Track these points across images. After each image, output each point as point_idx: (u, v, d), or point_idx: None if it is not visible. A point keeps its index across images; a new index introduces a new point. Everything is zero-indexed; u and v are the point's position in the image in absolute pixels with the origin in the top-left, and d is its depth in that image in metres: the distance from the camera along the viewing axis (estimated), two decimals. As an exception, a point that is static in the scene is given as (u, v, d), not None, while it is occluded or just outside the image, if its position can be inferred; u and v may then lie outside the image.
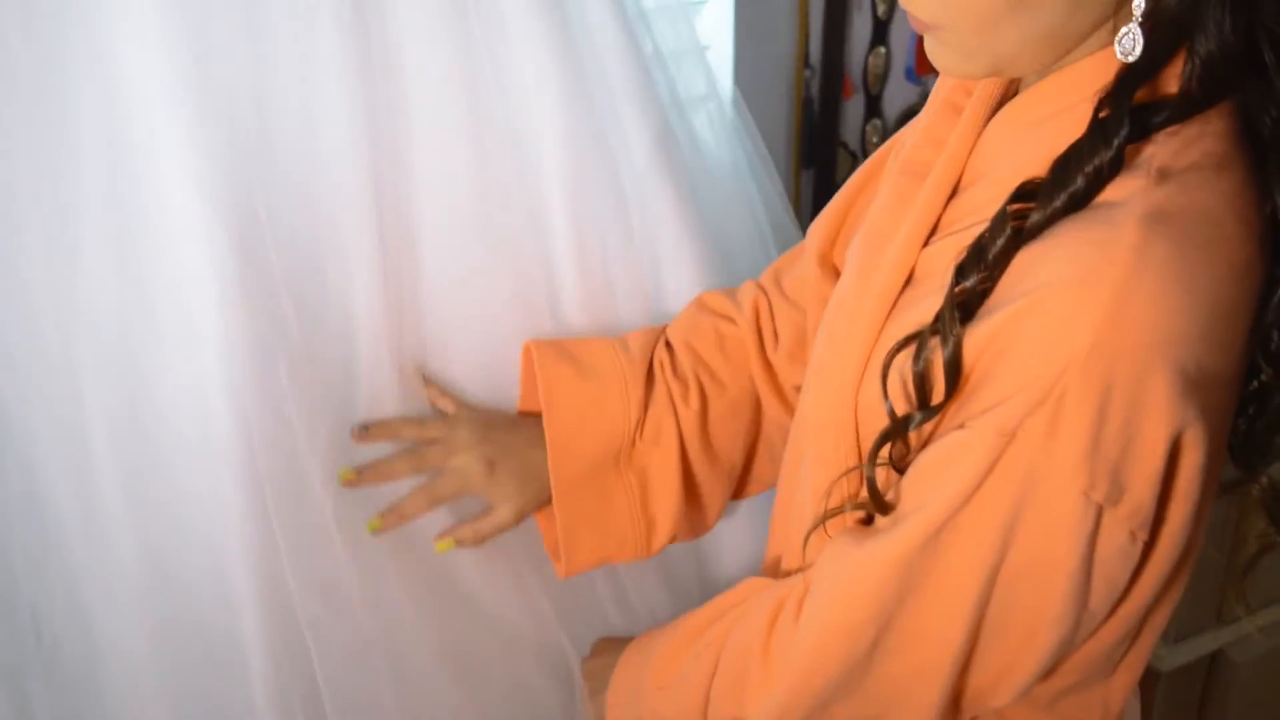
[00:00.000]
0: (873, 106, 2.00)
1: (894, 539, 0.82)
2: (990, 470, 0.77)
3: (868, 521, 0.89)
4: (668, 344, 1.18)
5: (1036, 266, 0.77)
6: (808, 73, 1.90)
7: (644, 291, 1.24)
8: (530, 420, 1.16)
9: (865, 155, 2.01)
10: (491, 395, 1.20)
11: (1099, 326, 0.73)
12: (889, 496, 0.85)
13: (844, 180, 1.94)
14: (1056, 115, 0.84)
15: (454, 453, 1.13)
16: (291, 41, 1.02)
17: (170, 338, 1.03)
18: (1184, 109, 0.79)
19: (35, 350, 1.02)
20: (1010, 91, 0.92)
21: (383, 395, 1.14)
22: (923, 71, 1.98)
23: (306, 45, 1.03)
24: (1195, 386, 0.74)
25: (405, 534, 1.14)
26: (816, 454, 0.95)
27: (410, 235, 1.11)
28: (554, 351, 1.14)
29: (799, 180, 1.97)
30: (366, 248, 1.08)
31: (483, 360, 1.18)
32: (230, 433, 1.03)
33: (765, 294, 1.19)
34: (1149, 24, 0.77)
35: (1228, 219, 0.78)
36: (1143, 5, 0.77)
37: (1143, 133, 0.78)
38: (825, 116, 1.94)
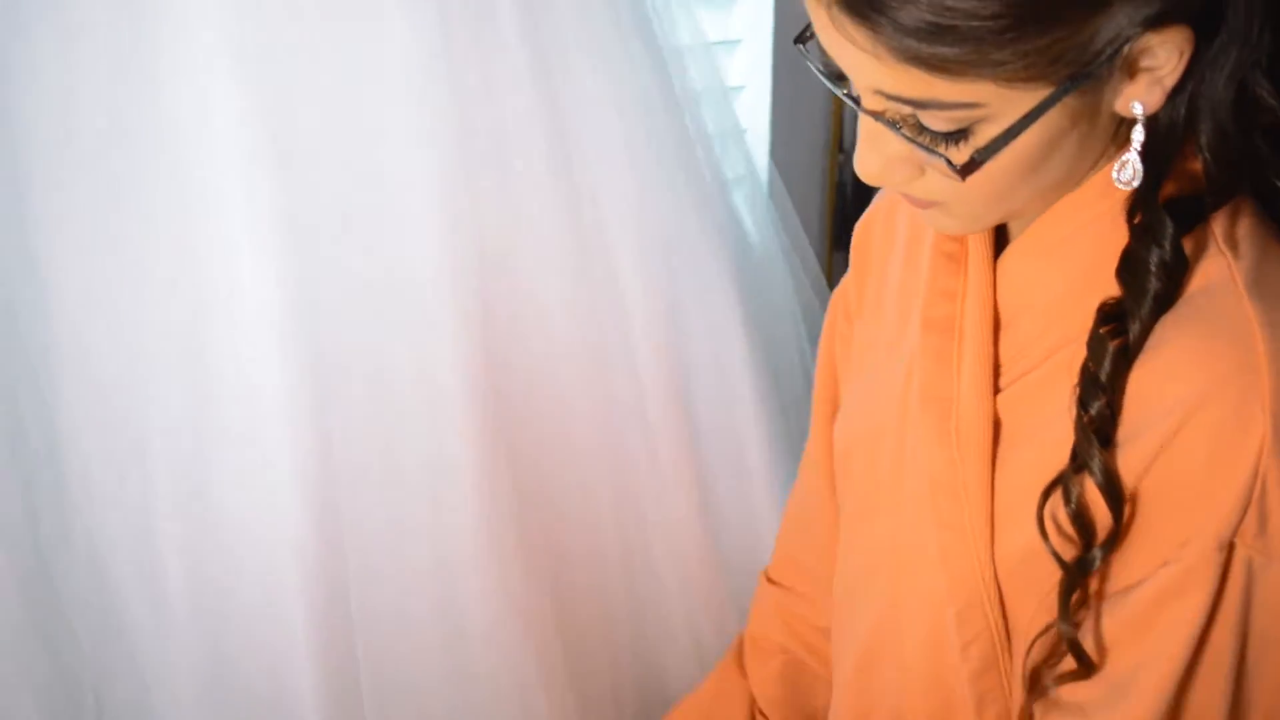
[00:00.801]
0: (903, 190, 2.06)
1: (1135, 702, 0.79)
2: (1220, 592, 0.76)
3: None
4: None
5: (1169, 379, 0.77)
6: (841, 157, 1.96)
7: (687, 358, 1.29)
8: None
9: (896, 237, 2.07)
10: (561, 464, 1.22)
11: (1272, 408, 0.73)
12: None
13: (876, 259, 2.01)
14: (1075, 235, 0.84)
15: None
16: (363, 116, 1.07)
17: (236, 432, 1.07)
18: (1222, 193, 0.80)
19: (107, 441, 1.06)
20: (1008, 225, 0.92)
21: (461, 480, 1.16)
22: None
23: (376, 120, 1.07)
24: None
25: (463, 662, 1.16)
26: (965, 636, 0.89)
27: (488, 313, 1.14)
28: None
29: (831, 260, 2.02)
30: (451, 328, 1.11)
31: (558, 431, 1.21)
32: (295, 526, 1.07)
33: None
34: (1145, 151, 0.78)
35: None
36: (1142, 137, 0.78)
37: (1193, 223, 0.79)
38: (857, 199, 2.00)
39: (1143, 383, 0.78)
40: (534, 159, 1.14)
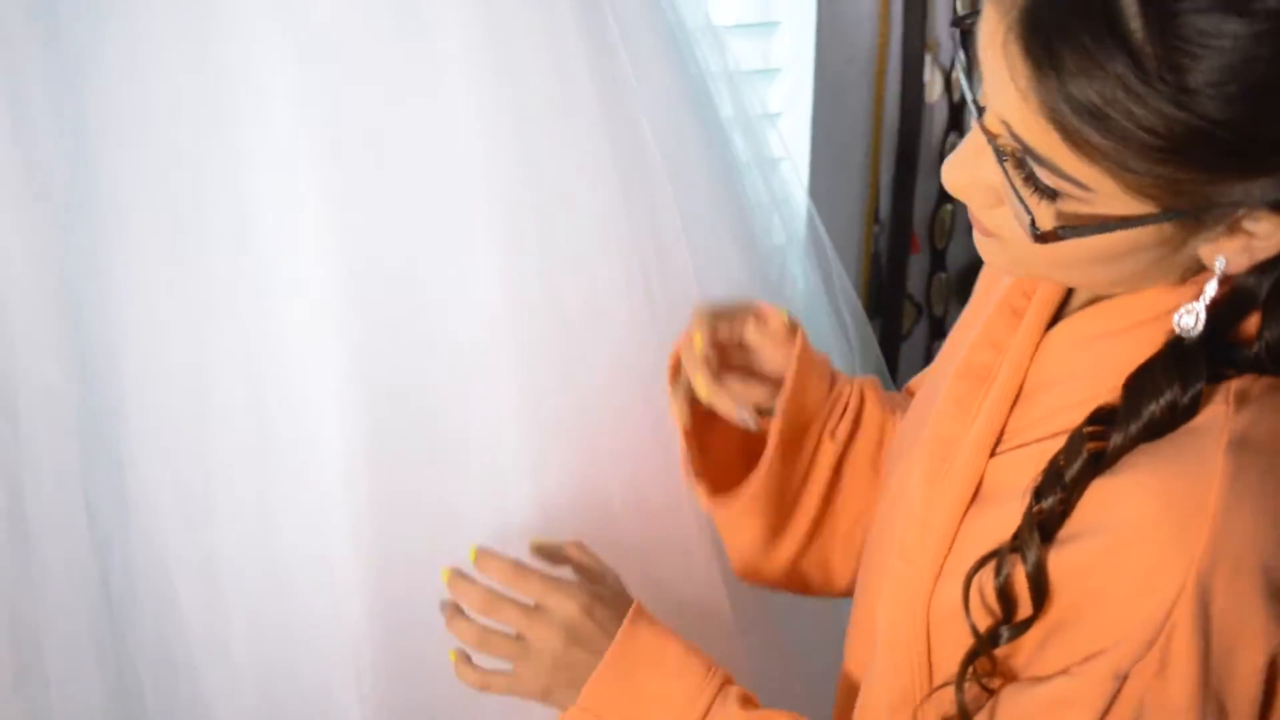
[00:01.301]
0: (938, 261, 2.09)
1: None
2: (1105, 714, 0.77)
3: None
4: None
5: (1121, 496, 0.78)
6: (876, 228, 1.99)
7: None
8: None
9: (930, 308, 2.11)
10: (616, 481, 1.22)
11: (1200, 563, 0.74)
12: (978, 717, 0.85)
13: (910, 330, 2.04)
14: (1124, 332, 0.84)
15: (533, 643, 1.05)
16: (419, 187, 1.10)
17: (298, 488, 1.10)
18: (1254, 367, 0.80)
19: (174, 489, 1.09)
20: (1071, 298, 0.92)
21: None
22: (987, 230, 2.07)
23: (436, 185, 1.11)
24: None
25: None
26: (887, 663, 0.94)
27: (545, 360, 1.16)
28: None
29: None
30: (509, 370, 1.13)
31: (627, 483, 1.21)
32: (348, 571, 1.09)
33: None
34: (1212, 306, 0.79)
35: None
36: (1213, 292, 0.78)
37: (1216, 378, 0.80)
38: (892, 270, 2.03)
39: (1101, 490, 0.80)
40: (592, 227, 1.17)
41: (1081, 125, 0.69)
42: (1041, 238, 0.76)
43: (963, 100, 1.99)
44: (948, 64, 1.96)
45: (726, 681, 1.02)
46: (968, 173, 0.80)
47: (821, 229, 1.62)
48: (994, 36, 0.72)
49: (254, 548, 1.10)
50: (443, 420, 1.11)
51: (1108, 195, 0.73)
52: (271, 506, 1.09)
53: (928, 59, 1.92)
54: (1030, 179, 0.75)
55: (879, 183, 1.97)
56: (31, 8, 0.98)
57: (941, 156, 2.01)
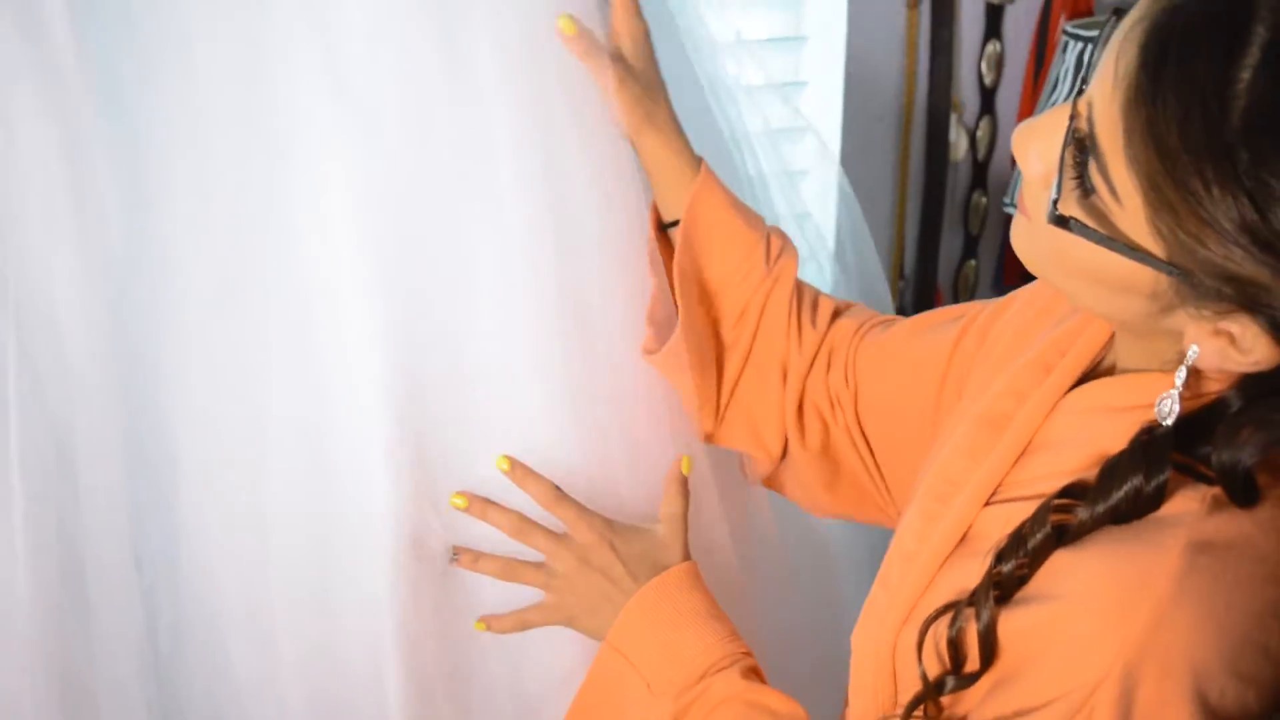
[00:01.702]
0: (962, 316, 2.13)
1: None
2: None
3: None
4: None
5: (1077, 570, 0.80)
6: (901, 283, 2.03)
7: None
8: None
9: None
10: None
11: (1133, 650, 0.76)
12: None
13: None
14: (1124, 411, 0.86)
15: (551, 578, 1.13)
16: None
17: (353, 535, 1.12)
18: (1220, 480, 0.80)
19: (225, 534, 1.12)
20: (1099, 365, 0.94)
21: None
22: (1010, 281, 2.10)
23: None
24: (1215, 716, 0.76)
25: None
26: (856, 682, 0.99)
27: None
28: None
29: (890, 382, 2.08)
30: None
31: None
32: (390, 619, 1.11)
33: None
34: (1187, 396, 0.81)
35: (1275, 555, 0.79)
36: (1182, 379, 0.81)
37: (1185, 472, 0.81)
38: (917, 324, 2.06)
39: (1060, 560, 0.82)
40: (616, 236, 1.19)
41: (1146, 134, 0.72)
42: (1058, 219, 0.78)
43: (987, 159, 2.04)
44: (972, 124, 2.01)
45: (745, 654, 1.06)
46: (1037, 141, 0.82)
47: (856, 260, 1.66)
48: (1125, 28, 0.75)
49: (306, 598, 1.12)
50: (482, 451, 1.14)
51: (1131, 214, 0.75)
52: (325, 555, 1.12)
53: (953, 119, 1.96)
54: (1079, 166, 0.78)
55: (904, 238, 2.01)
56: (87, 67, 1.03)
57: (965, 214, 2.05)
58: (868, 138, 1.90)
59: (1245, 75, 0.70)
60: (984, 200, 2.06)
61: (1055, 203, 0.79)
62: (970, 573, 0.87)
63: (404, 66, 1.06)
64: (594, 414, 1.16)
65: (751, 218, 1.20)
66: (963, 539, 0.92)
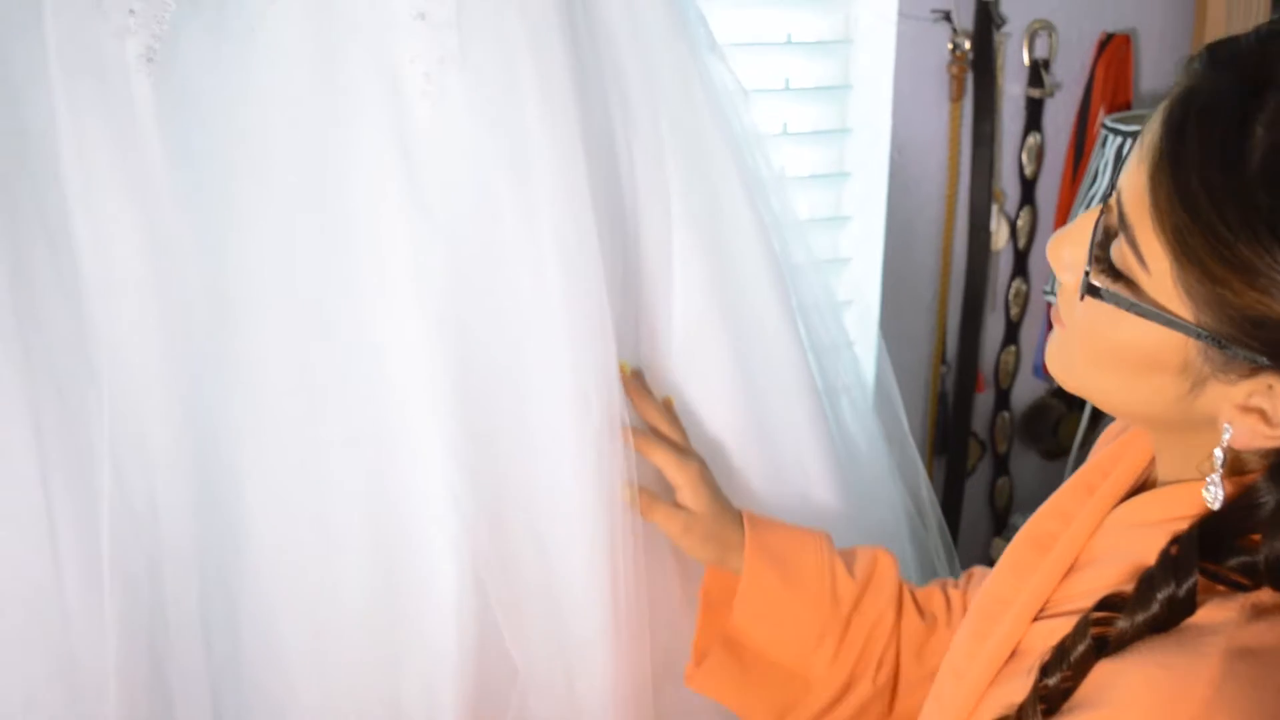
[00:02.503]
0: (1002, 400, 2.16)
1: None
2: None
3: None
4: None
5: (1119, 680, 0.81)
6: (943, 369, 2.06)
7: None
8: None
9: (994, 445, 2.16)
10: None
11: None
12: None
13: (974, 466, 2.09)
14: (1161, 524, 0.86)
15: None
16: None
17: (418, 611, 1.16)
18: (1251, 580, 0.82)
19: (292, 607, 1.16)
20: (1142, 483, 0.95)
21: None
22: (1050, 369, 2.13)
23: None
24: None
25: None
26: None
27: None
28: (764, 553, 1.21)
29: (931, 467, 2.11)
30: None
31: None
32: (451, 657, 1.16)
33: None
34: (1229, 480, 0.82)
35: None
36: (1219, 462, 0.82)
37: (1214, 579, 0.82)
38: (958, 409, 2.10)
39: (1103, 670, 0.83)
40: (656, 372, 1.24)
41: (1171, 190, 0.76)
42: (1090, 289, 0.82)
43: (1028, 247, 2.08)
44: (1013, 213, 2.05)
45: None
46: (1067, 246, 0.87)
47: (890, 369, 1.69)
48: (1156, 114, 0.80)
49: (370, 665, 1.16)
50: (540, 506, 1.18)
51: (1159, 279, 0.79)
52: (391, 633, 1.16)
53: (994, 208, 2.00)
54: (1105, 247, 0.82)
55: (946, 325, 2.04)
56: (173, 164, 1.09)
57: (1007, 301, 2.09)
58: (911, 227, 1.94)
59: (1260, 130, 0.74)
60: (1024, 288, 2.10)
61: (1087, 274, 0.82)
62: (1019, 688, 0.88)
63: (470, 173, 1.12)
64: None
65: (813, 584, 1.23)
66: (1011, 655, 0.93)
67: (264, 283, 1.09)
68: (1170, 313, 0.79)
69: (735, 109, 1.39)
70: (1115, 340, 0.83)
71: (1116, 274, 0.82)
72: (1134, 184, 0.80)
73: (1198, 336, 0.79)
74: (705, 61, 1.35)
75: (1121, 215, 0.81)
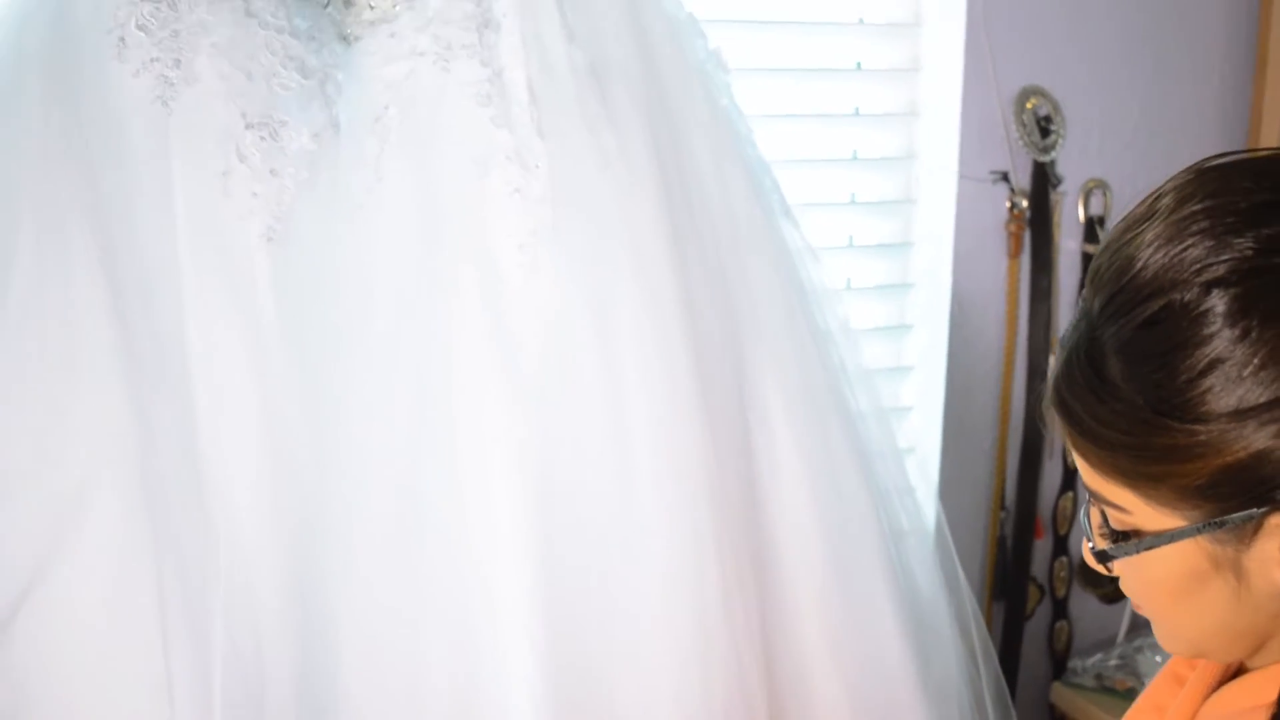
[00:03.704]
0: (1060, 545, 2.18)
1: None
2: None
3: None
4: None
5: None
6: (1002, 514, 2.10)
7: (858, 699, 1.42)
8: None
9: (1053, 590, 2.19)
10: None
11: None
12: None
13: (1032, 611, 2.12)
14: (1252, 711, 0.88)
15: None
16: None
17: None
18: None
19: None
20: (1231, 672, 0.96)
21: None
22: (1108, 516, 2.16)
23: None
24: None
25: None
26: None
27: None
28: None
29: (990, 611, 2.14)
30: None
31: None
32: None
33: None
34: None
35: None
36: None
37: None
38: (1017, 554, 2.13)
39: None
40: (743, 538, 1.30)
41: (1089, 446, 0.83)
42: (1100, 555, 0.88)
43: (1085, 397, 2.12)
44: (1070, 364, 2.10)
45: None
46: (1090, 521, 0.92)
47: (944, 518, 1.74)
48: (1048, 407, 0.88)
49: None
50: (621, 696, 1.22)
51: (1139, 511, 0.83)
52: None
53: (1052, 359, 2.06)
54: (1102, 514, 0.87)
55: (1005, 472, 2.09)
56: (285, 329, 1.18)
57: (1065, 449, 2.12)
58: (970, 377, 2.01)
59: (1106, 342, 0.81)
60: (1082, 435, 2.14)
61: (1091, 547, 0.88)
62: None
63: (561, 344, 1.20)
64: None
65: None
66: None
67: (365, 451, 1.17)
68: (1165, 531, 0.83)
69: (806, 266, 1.48)
70: (1153, 579, 0.87)
71: (1115, 534, 0.87)
72: (1080, 466, 0.86)
73: (1199, 531, 0.82)
74: (780, 223, 1.44)
75: (1091, 493, 0.87)
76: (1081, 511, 0.90)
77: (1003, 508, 2.10)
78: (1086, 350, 0.82)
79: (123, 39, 1.14)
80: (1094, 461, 0.84)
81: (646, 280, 1.23)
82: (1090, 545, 0.89)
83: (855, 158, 1.90)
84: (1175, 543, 0.84)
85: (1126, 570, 0.89)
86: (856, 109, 1.89)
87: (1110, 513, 0.86)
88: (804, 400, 1.41)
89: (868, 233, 1.92)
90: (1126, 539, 0.86)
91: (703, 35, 1.42)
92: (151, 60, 1.14)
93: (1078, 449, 0.85)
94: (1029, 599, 2.17)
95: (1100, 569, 0.92)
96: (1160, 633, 0.93)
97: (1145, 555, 0.86)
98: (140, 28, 1.14)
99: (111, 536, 1.11)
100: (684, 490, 1.22)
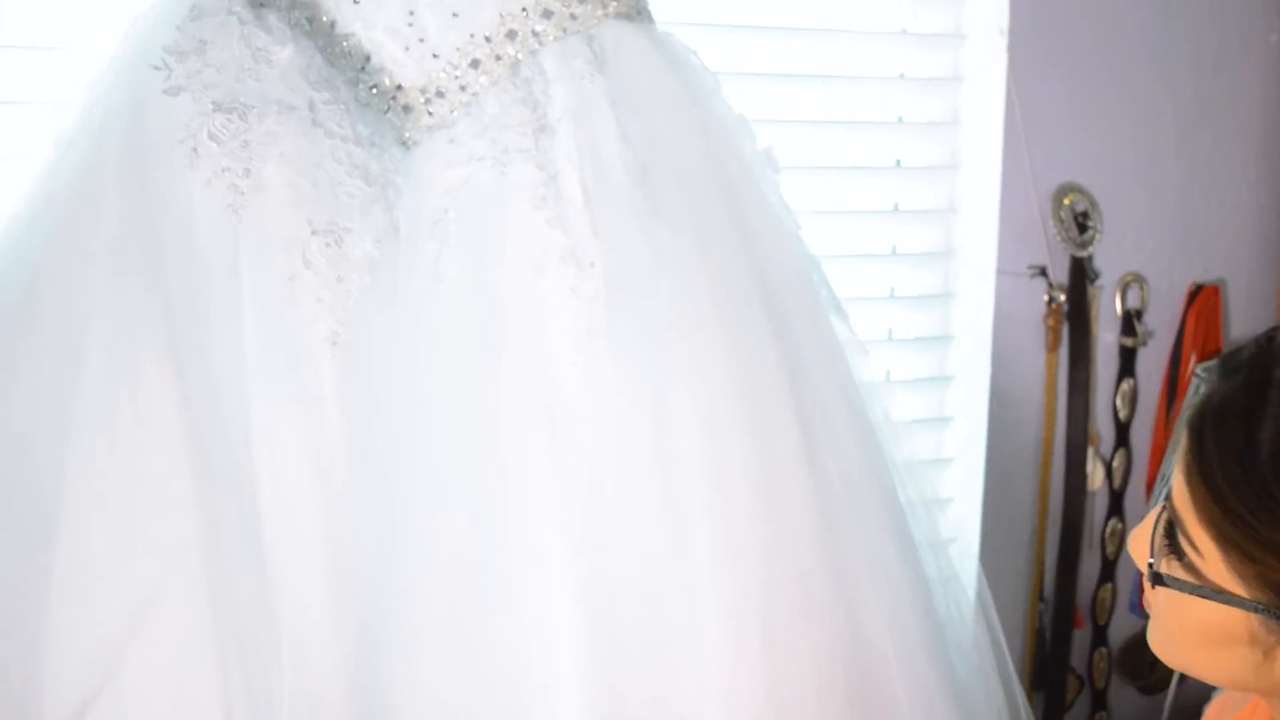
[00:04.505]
0: (1099, 636, 2.19)
1: None
2: None
3: None
4: None
5: None
6: (1041, 605, 2.11)
7: None
8: None
9: (1092, 681, 2.18)
10: None
11: None
12: None
13: (1072, 702, 2.11)
14: None
15: None
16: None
17: None
18: None
19: None
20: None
21: None
22: (1145, 605, 2.16)
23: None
24: None
25: None
26: None
27: None
28: None
29: (1030, 702, 2.13)
30: None
31: None
32: None
33: None
34: None
35: None
36: None
37: None
38: (1056, 644, 2.13)
39: None
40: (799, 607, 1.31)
41: (1202, 490, 0.88)
42: (1155, 576, 0.93)
43: (1123, 488, 2.14)
44: (1108, 455, 2.12)
45: None
46: (1142, 540, 0.97)
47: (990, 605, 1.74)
48: (1182, 422, 0.93)
49: None
50: None
51: (1213, 563, 0.88)
52: None
53: (1090, 451, 2.07)
54: (1170, 535, 0.92)
55: (1044, 562, 2.09)
56: (347, 428, 1.21)
57: (1103, 540, 2.14)
58: (1010, 468, 2.02)
59: (1266, 425, 0.86)
60: (1120, 526, 2.15)
61: (1151, 565, 0.93)
62: None
63: (614, 442, 1.22)
64: None
65: None
66: None
67: (425, 551, 1.19)
68: (1227, 592, 0.89)
69: (855, 359, 1.50)
70: (1190, 620, 0.92)
71: (1179, 562, 0.92)
72: (1178, 485, 0.91)
73: (1255, 611, 0.88)
74: (828, 317, 1.47)
75: (1174, 512, 0.91)
76: (1156, 524, 0.94)
77: (1042, 598, 2.11)
78: (1251, 406, 0.87)
79: (195, 149, 1.18)
80: (1199, 502, 0.89)
81: (700, 376, 1.26)
82: (1150, 561, 0.94)
83: (895, 252, 1.94)
84: (1229, 605, 0.89)
85: (1168, 599, 0.94)
86: (896, 205, 1.93)
87: (1184, 542, 0.91)
88: (861, 491, 1.43)
89: (907, 326, 1.95)
90: (1185, 574, 0.91)
91: (752, 135, 1.45)
92: (223, 169, 1.18)
93: (1190, 481, 0.89)
94: (1068, 690, 2.16)
95: (1147, 586, 0.97)
96: (1167, 656, 0.98)
97: (1194, 598, 0.91)
98: (212, 138, 1.18)
99: (180, 635, 1.13)
100: (742, 584, 1.24)
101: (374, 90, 1.30)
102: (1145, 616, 2.02)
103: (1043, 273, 1.99)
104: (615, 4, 1.35)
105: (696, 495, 1.23)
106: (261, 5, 1.26)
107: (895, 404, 1.87)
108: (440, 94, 1.30)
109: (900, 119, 1.91)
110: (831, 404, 1.41)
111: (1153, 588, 0.94)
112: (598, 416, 1.23)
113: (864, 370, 1.52)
